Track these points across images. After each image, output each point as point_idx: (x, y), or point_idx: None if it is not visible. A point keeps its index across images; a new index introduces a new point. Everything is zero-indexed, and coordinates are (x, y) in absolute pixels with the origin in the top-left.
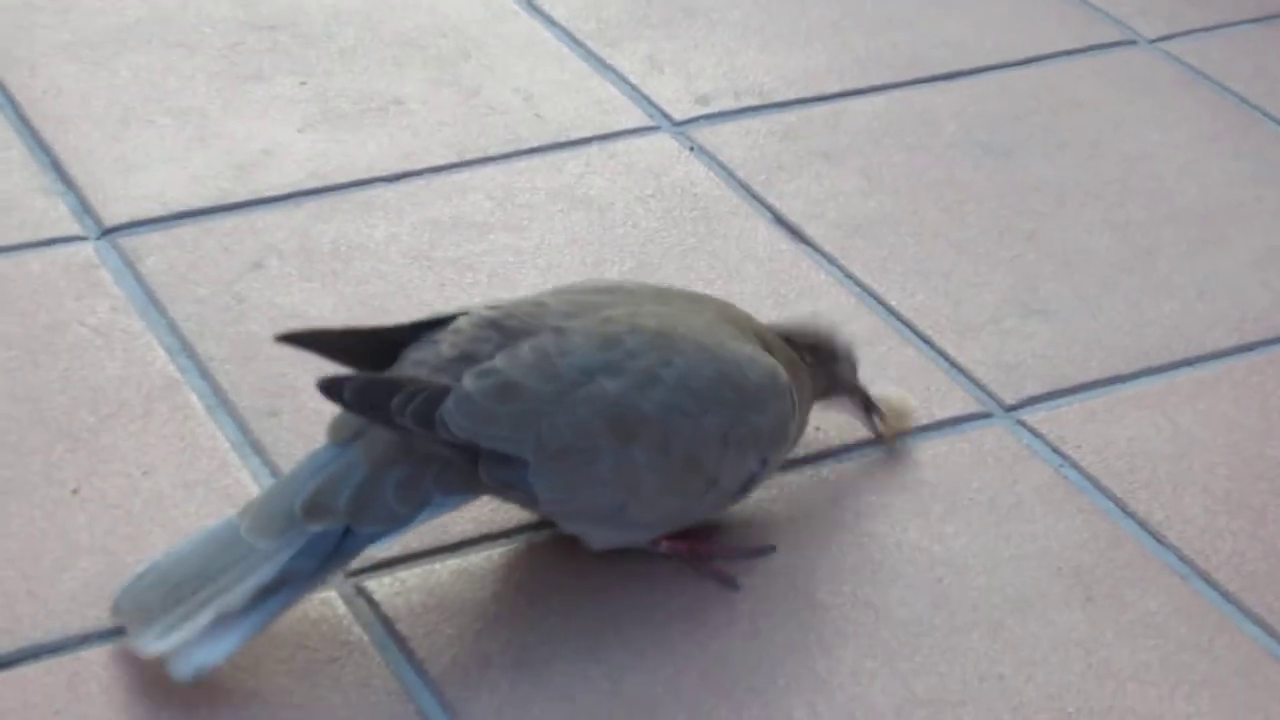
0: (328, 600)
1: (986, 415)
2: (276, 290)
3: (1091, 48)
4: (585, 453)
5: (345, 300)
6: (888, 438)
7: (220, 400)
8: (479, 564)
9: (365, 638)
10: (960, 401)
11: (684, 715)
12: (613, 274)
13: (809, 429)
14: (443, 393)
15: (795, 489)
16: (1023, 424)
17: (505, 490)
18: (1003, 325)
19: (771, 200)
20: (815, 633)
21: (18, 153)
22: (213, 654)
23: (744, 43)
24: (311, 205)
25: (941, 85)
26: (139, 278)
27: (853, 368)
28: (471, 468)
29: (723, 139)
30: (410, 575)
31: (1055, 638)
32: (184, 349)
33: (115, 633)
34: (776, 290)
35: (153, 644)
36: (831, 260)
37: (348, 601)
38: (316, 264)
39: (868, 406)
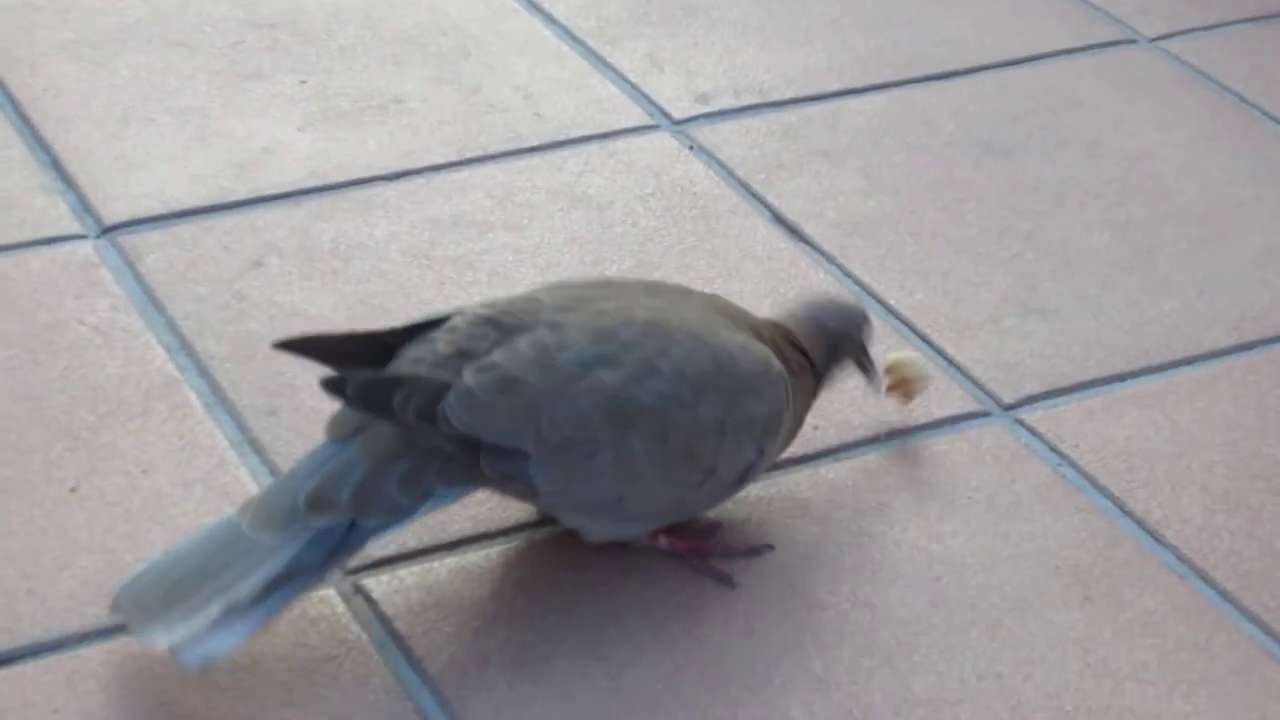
0: (326, 598)
1: (985, 414)
2: (276, 289)
3: (1091, 47)
4: (585, 444)
5: (345, 299)
6: (902, 399)
7: (219, 399)
8: (477, 562)
9: (364, 636)
10: (958, 400)
11: (682, 713)
12: (612, 273)
13: (807, 427)
14: (444, 388)
15: (793, 488)
16: (1021, 423)
17: (506, 483)
18: (1001, 324)
19: (771, 199)
20: (812, 631)
21: (18, 151)
22: (221, 645)
23: (744, 41)
24: (311, 204)
25: (941, 84)
26: (139, 276)
27: (866, 336)
28: (473, 461)
29: (722, 138)
30: (409, 573)
31: (1053, 636)
32: (183, 347)
33: (114, 631)
34: (775, 289)
35: (160, 637)
36: (830, 259)
37: (346, 600)
38: (316, 263)
39: (865, 368)
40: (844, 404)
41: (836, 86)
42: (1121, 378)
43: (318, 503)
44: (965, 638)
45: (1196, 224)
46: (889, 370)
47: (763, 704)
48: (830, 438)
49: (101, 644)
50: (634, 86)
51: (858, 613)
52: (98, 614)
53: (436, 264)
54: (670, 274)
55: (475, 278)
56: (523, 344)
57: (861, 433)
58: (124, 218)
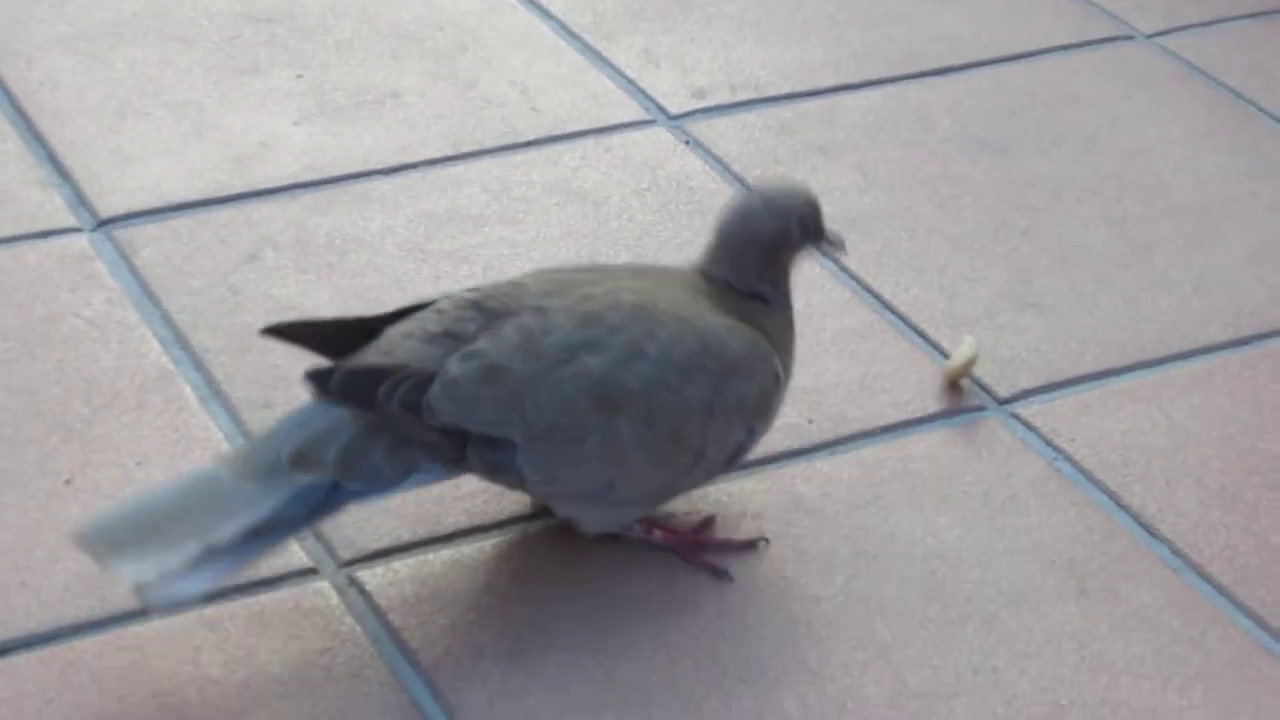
0: (320, 591)
1: (980, 408)
2: (272, 282)
3: (1088, 43)
4: (571, 430)
5: (341, 292)
6: (948, 378)
7: (214, 392)
8: (472, 555)
9: (358, 628)
10: (954, 395)
11: (677, 705)
12: None
13: (803, 423)
14: (428, 379)
15: (788, 482)
16: (1017, 417)
17: (494, 473)
18: (997, 319)
19: None
20: (807, 624)
21: (14, 145)
22: (190, 587)
23: (740, 36)
24: (307, 198)
25: (937, 80)
26: (134, 269)
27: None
28: (460, 452)
29: (718, 133)
30: (403, 566)
31: (1049, 631)
32: (178, 340)
33: (108, 623)
34: None
35: (129, 570)
36: (826, 254)
37: (340, 592)
38: (312, 256)
39: (829, 245)
40: (839, 398)
41: (832, 82)
42: (1117, 372)
43: (302, 459)
44: (960, 631)
45: (1193, 220)
46: (963, 366)
47: (757, 696)
48: (825, 431)
49: (95, 636)
50: (630, 82)
51: (852, 606)
52: (91, 606)
53: (432, 258)
54: None
55: (471, 271)
56: (508, 330)
57: (857, 426)
58: (120, 211)
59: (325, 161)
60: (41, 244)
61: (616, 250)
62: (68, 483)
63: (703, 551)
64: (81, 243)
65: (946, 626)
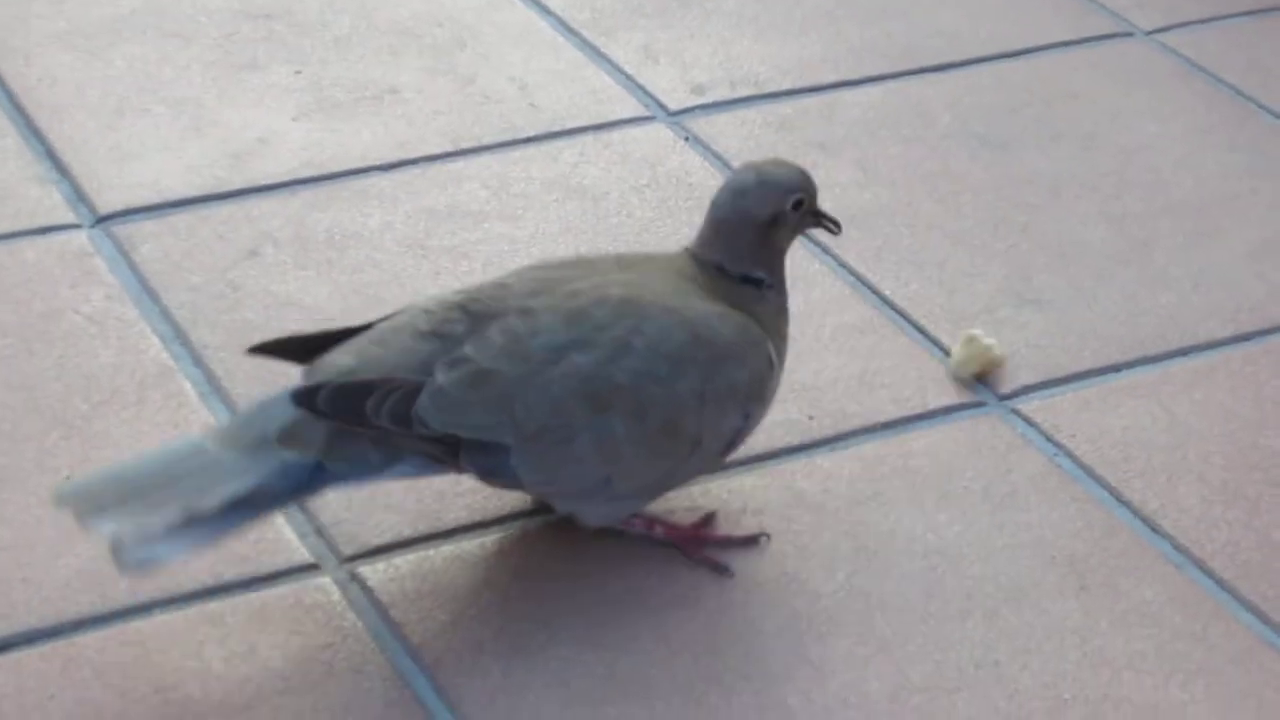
0: (322, 586)
1: (980, 404)
2: (271, 278)
3: (1087, 39)
4: (562, 430)
5: (340, 288)
6: (971, 375)
7: (214, 388)
8: (473, 550)
9: (359, 624)
10: (954, 391)
11: (678, 700)
12: None
13: (803, 419)
14: (415, 389)
15: (788, 477)
16: (1017, 413)
17: (488, 476)
18: (997, 315)
19: None
20: (808, 620)
21: (12, 141)
22: (168, 552)
23: (739, 33)
24: (306, 194)
25: (936, 76)
26: (133, 266)
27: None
28: (453, 458)
29: (718, 129)
30: (404, 561)
31: (1050, 626)
32: (178, 337)
33: (110, 617)
34: None
35: (108, 528)
36: (826, 250)
37: (341, 587)
38: (311, 252)
39: (824, 225)
40: (839, 394)
41: (832, 78)
42: (1117, 368)
43: (290, 436)
44: (961, 627)
45: (1192, 217)
46: (981, 358)
47: (758, 692)
48: (826, 427)
49: (97, 631)
50: (629, 78)
51: (853, 601)
52: (93, 601)
53: (432, 254)
54: None
55: (470, 267)
56: (493, 333)
57: (857, 422)
58: (119, 207)
59: (324, 157)
60: (40, 240)
61: (616, 246)
62: (68, 479)
63: (703, 547)
64: (80, 239)
65: (947, 622)
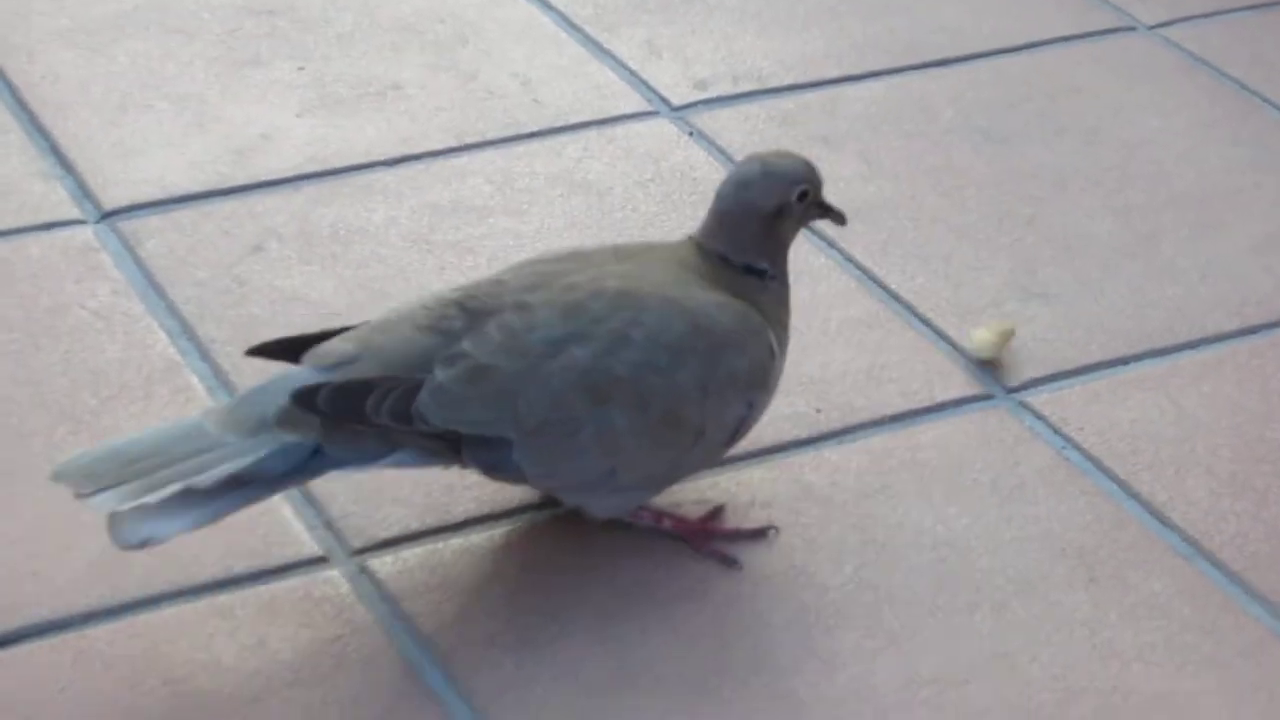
0: (331, 579)
1: (988, 397)
2: (276, 273)
3: (1090, 34)
4: (564, 424)
5: (345, 283)
6: (985, 360)
7: (221, 382)
8: (482, 543)
9: (369, 617)
10: (962, 383)
11: (688, 693)
12: None
13: (811, 412)
14: (415, 387)
15: (797, 470)
16: (1025, 406)
17: (491, 471)
18: (1003, 308)
19: None
20: (816, 613)
21: (16, 137)
22: (165, 528)
23: (742, 28)
24: (310, 189)
25: (939, 71)
26: (139, 261)
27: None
28: (455, 454)
29: (721, 124)
30: (413, 554)
31: (1059, 618)
32: (184, 331)
33: (120, 610)
34: None
35: (107, 502)
36: (831, 244)
37: (352, 580)
38: (316, 247)
39: (830, 215)
40: (847, 387)
41: (835, 73)
42: (1125, 361)
43: (289, 419)
44: (970, 619)
45: (1196, 210)
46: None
47: (768, 684)
48: (834, 420)
49: (107, 624)
50: (632, 73)
51: (862, 594)
52: (102, 594)
53: (436, 249)
54: None
55: (475, 262)
56: (491, 329)
57: (865, 415)
58: (123, 203)
59: (328, 153)
60: (45, 236)
61: (620, 241)
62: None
63: (712, 540)
64: (86, 234)
65: (956, 614)
